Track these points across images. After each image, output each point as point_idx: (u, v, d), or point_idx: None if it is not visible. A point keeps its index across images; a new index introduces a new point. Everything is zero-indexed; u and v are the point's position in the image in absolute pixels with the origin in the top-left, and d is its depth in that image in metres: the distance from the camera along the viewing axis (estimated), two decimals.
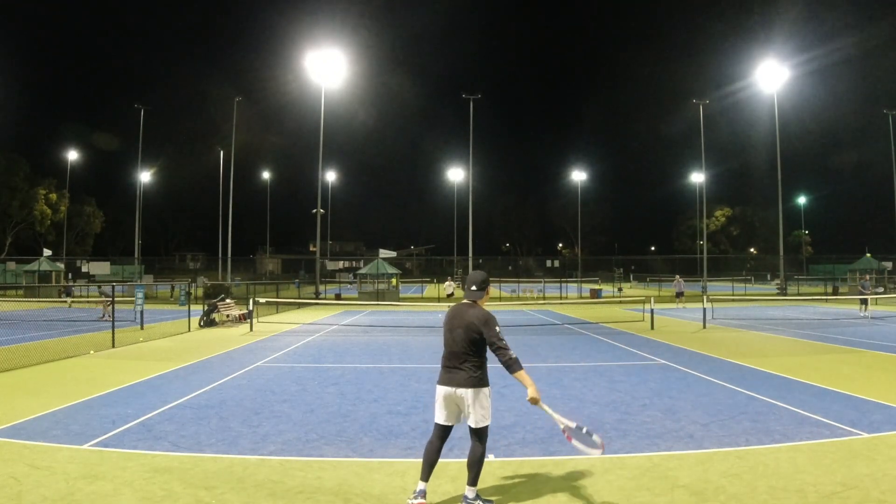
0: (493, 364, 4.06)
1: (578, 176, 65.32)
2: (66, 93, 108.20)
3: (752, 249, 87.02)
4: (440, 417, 4.04)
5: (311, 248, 68.05)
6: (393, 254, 36.79)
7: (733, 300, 27.98)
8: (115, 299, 16.61)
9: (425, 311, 24.68)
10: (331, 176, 66.70)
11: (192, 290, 26.46)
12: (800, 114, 58.13)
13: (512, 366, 3.92)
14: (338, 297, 34.76)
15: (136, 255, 45.54)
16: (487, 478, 4.53)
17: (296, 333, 15.90)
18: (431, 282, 57.64)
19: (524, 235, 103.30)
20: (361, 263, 40.08)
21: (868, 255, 39.50)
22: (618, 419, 6.46)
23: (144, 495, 4.24)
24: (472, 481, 3.98)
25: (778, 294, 35.53)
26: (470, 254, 41.89)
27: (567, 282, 42.11)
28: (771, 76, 37.74)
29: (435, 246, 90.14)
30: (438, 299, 32.14)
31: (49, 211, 64.02)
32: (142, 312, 16.55)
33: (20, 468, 4.78)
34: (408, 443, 5.56)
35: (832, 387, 8.13)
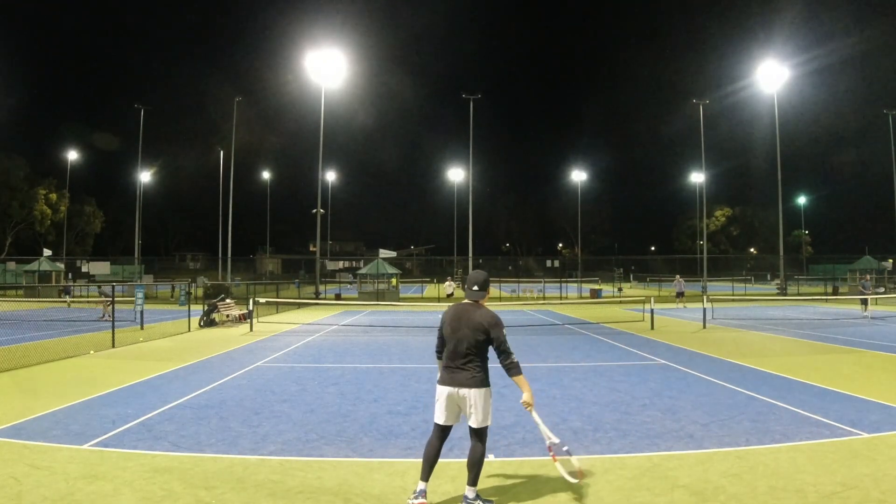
0: (492, 364, 4.08)
1: (578, 176, 65.36)
2: (66, 93, 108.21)
3: (752, 249, 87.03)
4: (440, 418, 4.03)
5: (311, 248, 68.05)
6: (393, 254, 36.81)
7: (733, 300, 27.98)
8: (115, 299, 16.61)
9: (425, 311, 24.68)
10: (331, 176, 66.75)
11: (192, 291, 26.47)
12: (800, 114, 58.20)
13: (513, 369, 3.98)
14: (338, 297, 34.76)
15: (136, 255, 45.54)
16: (487, 478, 4.53)
17: (296, 333, 15.90)
18: (431, 282, 57.66)
19: (524, 235, 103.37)
20: (361, 263, 40.08)
21: (868, 255, 39.53)
22: (618, 419, 6.46)
23: (144, 495, 4.24)
24: (473, 481, 3.98)
25: (778, 294, 35.53)
26: (470, 254, 41.89)
27: (567, 282, 42.12)
28: (771, 76, 37.75)
29: (435, 246, 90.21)
30: (438, 299, 32.15)
31: (49, 211, 64.05)
32: (142, 312, 16.55)
33: (20, 468, 4.78)
34: (408, 443, 5.56)
35: (832, 387, 8.13)
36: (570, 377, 9.13)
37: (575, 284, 43.49)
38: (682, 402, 7.33)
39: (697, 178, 57.40)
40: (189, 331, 16.24)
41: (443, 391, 4.02)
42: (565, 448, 4.06)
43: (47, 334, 14.86)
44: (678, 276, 30.02)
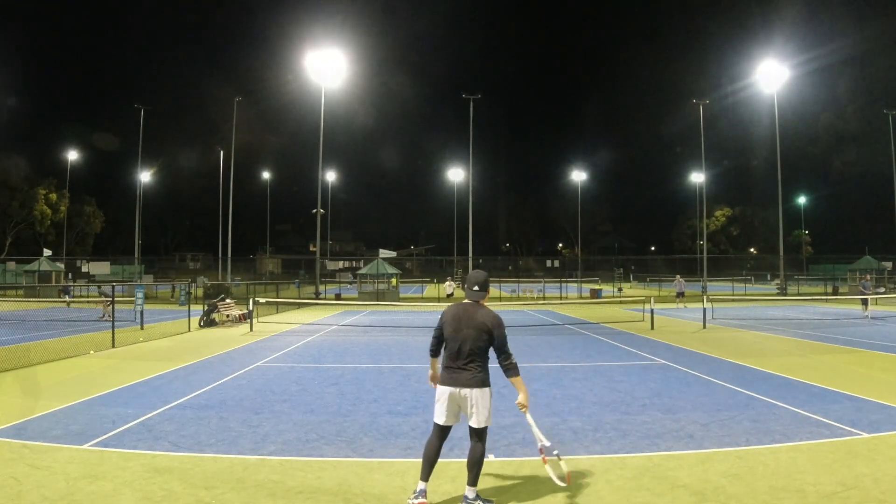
0: (492, 364, 4.09)
1: (578, 176, 65.32)
2: (66, 93, 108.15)
3: (752, 249, 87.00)
4: (441, 418, 4.03)
5: (311, 248, 68.04)
6: (393, 254, 36.79)
7: (733, 300, 27.98)
8: (115, 299, 16.61)
9: (425, 311, 24.67)
10: (331, 176, 66.72)
11: (192, 291, 26.47)
12: (800, 114, 58.12)
13: (512, 370, 4.04)
14: (338, 297, 34.76)
15: (136, 255, 45.55)
16: (487, 478, 4.53)
17: (296, 333, 15.90)
18: (431, 282, 57.62)
19: (524, 235, 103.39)
20: (361, 263, 40.08)
21: (868, 255, 39.53)
22: (618, 419, 6.46)
23: (144, 495, 4.24)
24: (473, 481, 3.99)
25: (778, 294, 35.53)
26: (470, 254, 41.91)
27: (567, 282, 42.10)
28: (771, 76, 37.76)
29: (435, 246, 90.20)
30: (438, 299, 32.15)
31: (49, 211, 64.02)
32: (142, 312, 16.55)
33: (20, 468, 4.79)
34: (408, 443, 5.57)
35: (832, 387, 8.13)
36: (570, 377, 9.13)
37: (575, 284, 43.48)
38: (682, 402, 7.33)
39: (697, 178, 57.38)
40: (189, 331, 16.24)
41: (444, 391, 4.02)
42: (555, 452, 4.08)
43: (47, 334, 14.86)
44: (678, 276, 30.02)
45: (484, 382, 4.00)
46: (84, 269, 42.32)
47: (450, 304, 5.31)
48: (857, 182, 62.29)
